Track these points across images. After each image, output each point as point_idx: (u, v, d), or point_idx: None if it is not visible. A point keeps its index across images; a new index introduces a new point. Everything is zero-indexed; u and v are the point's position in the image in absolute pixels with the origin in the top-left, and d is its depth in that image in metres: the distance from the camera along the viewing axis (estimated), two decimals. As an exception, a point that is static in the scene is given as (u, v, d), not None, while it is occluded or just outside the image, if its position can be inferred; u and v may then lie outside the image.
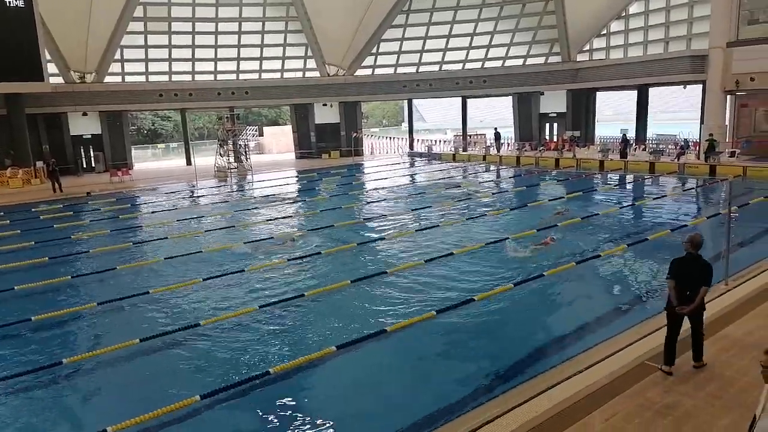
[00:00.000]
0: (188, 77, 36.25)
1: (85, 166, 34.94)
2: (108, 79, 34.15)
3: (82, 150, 34.98)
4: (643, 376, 6.48)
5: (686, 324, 6.52)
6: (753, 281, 9.55)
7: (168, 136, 56.73)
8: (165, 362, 8.28)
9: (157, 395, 7.06)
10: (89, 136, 34.98)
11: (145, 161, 44.24)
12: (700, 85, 28.37)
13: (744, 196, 17.96)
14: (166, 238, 16.33)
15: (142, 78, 35.36)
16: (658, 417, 5.61)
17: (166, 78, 35.80)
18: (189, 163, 36.23)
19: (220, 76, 36.80)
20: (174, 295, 11.12)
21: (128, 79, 35.06)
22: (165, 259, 13.79)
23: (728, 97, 26.29)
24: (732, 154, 24.93)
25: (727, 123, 26.85)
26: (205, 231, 17.10)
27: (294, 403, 6.94)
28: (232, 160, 32.22)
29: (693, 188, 21.75)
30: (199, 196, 25.37)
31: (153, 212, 21.37)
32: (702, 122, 27.50)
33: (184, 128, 39.35)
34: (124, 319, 10.13)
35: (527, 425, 5.62)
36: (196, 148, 39.39)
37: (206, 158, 36.19)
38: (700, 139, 27.40)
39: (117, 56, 33.69)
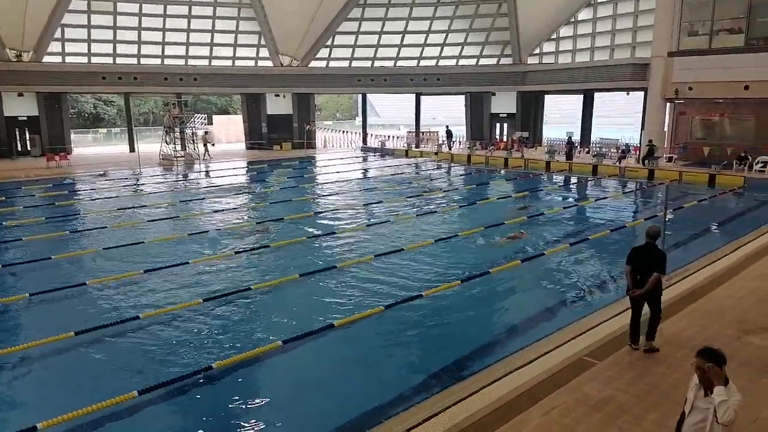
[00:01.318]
0: (133, 60, 34.82)
1: (20, 149, 33.08)
2: (47, 59, 32.36)
3: (17, 132, 33.08)
4: (581, 371, 6.71)
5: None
6: (686, 281, 10.05)
7: (111, 120, 54.44)
8: (101, 356, 7.94)
9: (92, 390, 6.78)
10: (25, 118, 33.08)
11: (86, 146, 42.33)
12: (642, 92, 29.59)
13: (679, 200, 18.88)
14: (106, 227, 15.69)
15: (84, 59, 33.69)
16: (593, 411, 5.82)
17: (109, 60, 34.26)
18: (132, 149, 34.94)
19: (167, 61, 35.53)
20: (113, 286, 10.70)
21: (69, 59, 33.33)
22: (104, 249, 13.24)
23: (668, 104, 27.56)
24: (669, 159, 26.19)
25: (665, 129, 28.16)
26: (148, 221, 16.53)
27: (237, 399, 6.79)
28: (179, 147, 31.25)
29: (632, 191, 22.69)
30: (142, 184, 24.48)
31: (92, 200, 20.46)
32: (643, 128, 28.72)
33: (127, 113, 37.86)
34: (58, 311, 9.66)
35: (468, 420, 5.71)
36: (140, 135, 38.02)
37: (151, 145, 34.95)
38: (640, 143, 28.63)
39: (57, 35, 31.98)
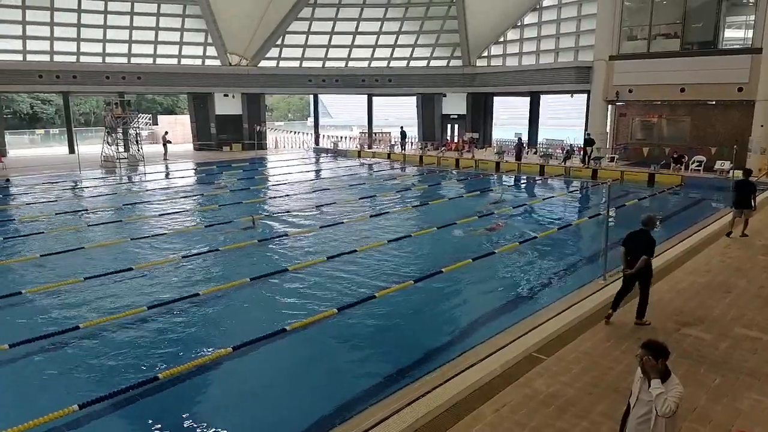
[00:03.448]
0: (72, 58, 33.33)
1: (-52, 151, 31.15)
2: (-23, 55, 30.61)
3: (-56, 133, 31.15)
4: (531, 367, 6.84)
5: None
6: (627, 276, 10.38)
7: (49, 120, 51.97)
8: (39, 369, 7.52)
9: (30, 405, 6.43)
10: (-46, 118, 31.20)
11: (22, 148, 40.25)
12: (585, 95, 30.59)
13: (621, 198, 19.61)
14: (43, 232, 14.95)
15: (19, 56, 32.01)
16: (542, 406, 5.93)
17: (46, 58, 32.67)
18: (72, 151, 33.45)
19: (108, 59, 34.18)
20: (51, 295, 10.19)
21: (2, 57, 31.58)
22: (41, 256, 12.60)
23: (609, 106, 28.60)
24: (611, 159, 27.17)
25: (607, 130, 29.21)
26: (89, 226, 15.85)
27: (184, 410, 6.57)
28: (122, 149, 30.15)
29: (577, 190, 23.42)
30: (82, 188, 23.45)
31: (29, 204, 19.46)
32: (586, 129, 29.69)
33: (66, 113, 36.21)
34: (-10, 322, 9.11)
35: (424, 419, 5.72)
36: (80, 136, 36.44)
37: (92, 147, 33.55)
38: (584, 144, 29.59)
39: (-12, 30, 30.29)
